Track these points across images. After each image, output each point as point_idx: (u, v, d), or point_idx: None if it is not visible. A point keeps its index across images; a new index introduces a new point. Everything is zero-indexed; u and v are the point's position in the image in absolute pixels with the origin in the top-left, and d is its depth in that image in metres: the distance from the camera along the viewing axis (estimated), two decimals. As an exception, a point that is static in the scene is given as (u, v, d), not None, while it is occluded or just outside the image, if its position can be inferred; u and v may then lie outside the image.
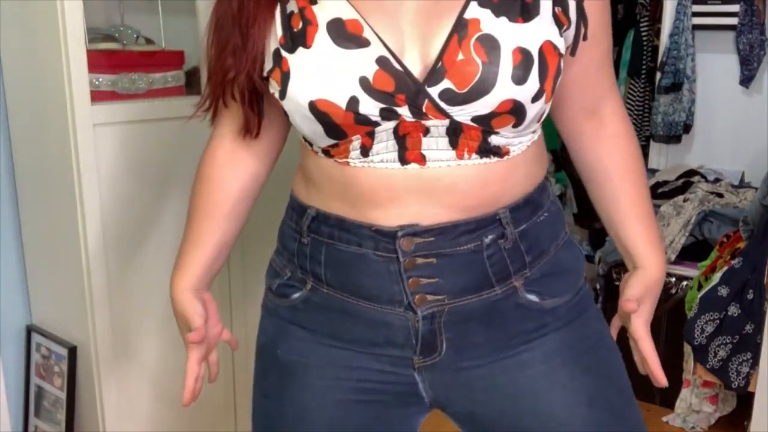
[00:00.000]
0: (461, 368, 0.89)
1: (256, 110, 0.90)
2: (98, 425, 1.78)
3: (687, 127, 2.79)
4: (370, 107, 0.79)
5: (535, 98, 0.79)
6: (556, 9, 0.81)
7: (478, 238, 0.84)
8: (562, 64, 0.82)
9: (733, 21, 2.61)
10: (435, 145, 0.80)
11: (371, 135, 0.81)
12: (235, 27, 0.85)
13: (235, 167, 0.99)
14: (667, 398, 2.42)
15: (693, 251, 2.40)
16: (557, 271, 0.90)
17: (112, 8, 1.91)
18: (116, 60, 1.74)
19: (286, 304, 0.95)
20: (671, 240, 2.39)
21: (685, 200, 2.46)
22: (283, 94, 0.83)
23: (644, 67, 3.24)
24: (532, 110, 0.80)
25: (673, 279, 2.39)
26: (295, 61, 0.81)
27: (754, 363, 2.02)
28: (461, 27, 0.77)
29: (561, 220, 0.95)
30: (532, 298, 0.88)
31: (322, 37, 0.80)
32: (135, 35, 1.87)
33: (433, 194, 0.82)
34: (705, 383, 2.26)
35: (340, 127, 0.81)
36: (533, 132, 0.86)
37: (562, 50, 0.82)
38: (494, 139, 0.81)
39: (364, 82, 0.78)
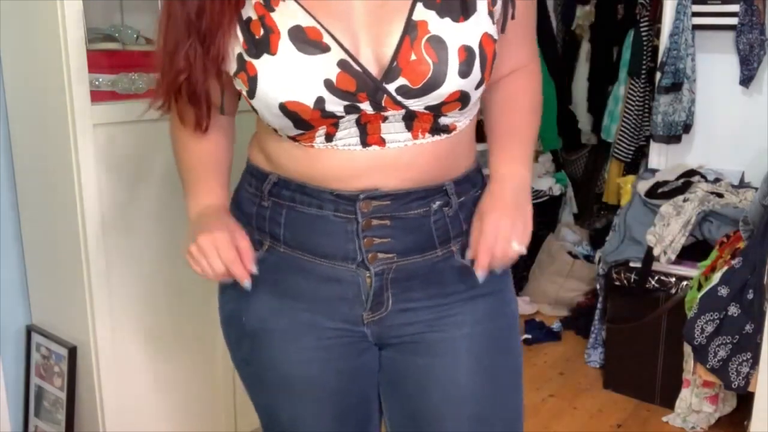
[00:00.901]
0: (402, 323, 1.00)
1: (204, 108, 0.96)
2: (98, 425, 1.78)
3: (687, 127, 2.79)
4: (334, 105, 0.87)
5: (477, 86, 0.91)
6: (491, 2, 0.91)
7: (427, 204, 0.96)
8: (497, 48, 0.92)
9: (733, 21, 2.61)
10: (393, 129, 0.91)
11: (335, 125, 0.90)
12: (191, 31, 0.89)
13: (201, 141, 1.05)
14: (667, 398, 2.42)
15: (693, 251, 2.40)
16: None
17: (112, 8, 1.91)
18: (116, 60, 1.74)
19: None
20: (671, 240, 2.39)
21: (685, 200, 2.46)
22: (251, 93, 0.90)
23: (644, 67, 3.23)
24: (476, 95, 0.92)
25: (673, 279, 2.39)
26: (262, 66, 0.88)
27: (754, 363, 2.02)
28: (411, 29, 0.86)
29: None
30: (466, 262, 0.99)
31: (285, 45, 0.87)
32: (135, 35, 1.87)
33: (394, 170, 0.93)
34: (705, 383, 2.26)
35: (307, 122, 0.89)
36: (474, 110, 0.98)
37: (497, 36, 0.92)
38: (443, 120, 0.93)
39: (328, 84, 0.86)
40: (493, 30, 0.91)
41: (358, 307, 0.99)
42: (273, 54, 0.87)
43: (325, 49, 0.86)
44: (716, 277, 2.13)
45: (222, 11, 0.88)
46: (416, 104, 0.89)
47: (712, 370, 2.09)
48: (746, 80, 2.66)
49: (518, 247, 0.97)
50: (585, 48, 3.71)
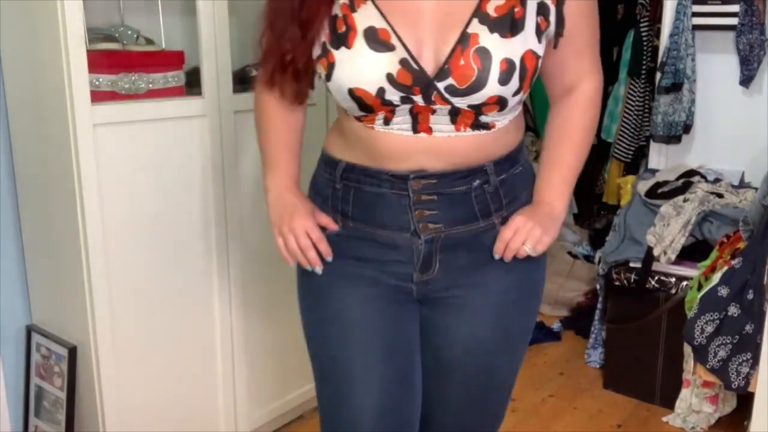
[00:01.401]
0: (444, 286, 1.18)
1: (305, 83, 1.16)
2: (98, 425, 1.78)
3: (687, 127, 2.79)
4: (393, 95, 1.06)
5: (515, 93, 1.07)
6: (539, 18, 1.07)
7: (468, 182, 1.13)
8: (539, 64, 1.09)
9: (733, 21, 2.60)
10: (439, 121, 1.08)
11: (392, 111, 1.08)
12: (293, 20, 1.09)
13: (288, 115, 1.25)
14: (667, 398, 2.42)
15: (693, 251, 2.40)
16: None
17: (112, 8, 1.91)
18: (116, 60, 1.74)
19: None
20: (671, 240, 2.39)
21: (685, 200, 2.46)
22: (329, 77, 1.09)
23: (644, 67, 3.23)
24: (513, 101, 1.08)
25: (673, 279, 2.39)
26: (339, 56, 1.07)
27: (754, 363, 2.02)
28: (464, 39, 1.03)
29: (532, 175, 1.23)
30: None
31: (359, 42, 1.06)
32: (135, 35, 1.87)
33: (437, 154, 1.11)
34: (705, 383, 2.26)
35: (369, 106, 1.08)
36: (515, 111, 1.14)
37: (541, 53, 1.09)
38: (484, 118, 1.09)
39: (389, 77, 1.04)
40: (538, 47, 1.07)
41: (410, 268, 1.17)
42: (349, 48, 1.06)
43: (391, 48, 1.04)
44: (716, 277, 2.13)
45: (318, 6, 1.09)
46: (460, 102, 1.05)
47: (712, 370, 2.09)
48: (746, 80, 2.67)
49: (529, 249, 1.16)
50: (585, 48, 3.71)
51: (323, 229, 1.20)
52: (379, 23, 1.05)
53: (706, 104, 2.81)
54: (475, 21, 1.04)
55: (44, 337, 1.87)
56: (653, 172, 2.79)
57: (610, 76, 3.55)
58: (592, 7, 1.15)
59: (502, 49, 1.03)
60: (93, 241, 1.67)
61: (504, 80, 1.03)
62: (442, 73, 1.04)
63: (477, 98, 1.05)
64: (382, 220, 1.15)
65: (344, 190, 1.18)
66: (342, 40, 1.07)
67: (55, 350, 1.84)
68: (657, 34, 3.06)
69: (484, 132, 1.10)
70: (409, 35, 1.05)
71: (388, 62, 1.04)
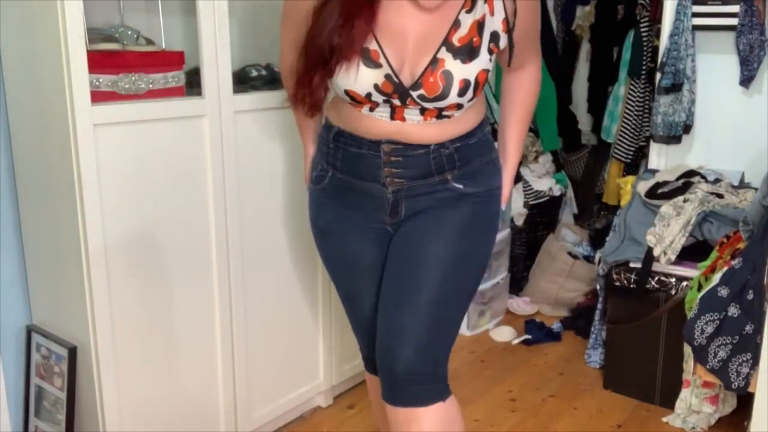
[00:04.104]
0: (410, 224, 1.50)
1: (323, 101, 1.49)
2: (98, 425, 1.78)
3: (687, 128, 2.79)
4: (377, 98, 1.39)
5: (469, 101, 1.41)
6: (491, 45, 1.40)
7: (426, 148, 1.44)
8: (488, 75, 1.41)
9: (733, 21, 2.60)
10: (411, 114, 1.42)
11: (376, 105, 1.41)
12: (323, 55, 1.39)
13: (314, 116, 1.57)
14: (667, 399, 2.42)
15: (693, 251, 2.40)
16: (476, 174, 1.50)
17: (112, 8, 1.91)
18: (116, 60, 1.74)
19: (319, 187, 1.56)
20: (671, 240, 2.39)
21: (685, 201, 2.46)
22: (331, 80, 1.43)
23: (644, 67, 3.24)
24: (468, 104, 1.43)
25: (673, 279, 2.39)
26: (340, 67, 1.38)
27: (754, 363, 2.02)
28: (434, 62, 1.36)
29: (488, 146, 1.53)
30: (458, 185, 1.48)
31: (356, 58, 1.37)
32: (135, 35, 1.87)
33: (407, 135, 1.44)
34: (705, 384, 2.26)
35: (359, 101, 1.41)
36: (468, 107, 1.45)
37: (490, 68, 1.41)
38: (445, 113, 1.42)
39: (376, 86, 1.38)
40: (489, 65, 1.40)
41: (382, 214, 1.50)
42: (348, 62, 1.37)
43: (379, 65, 1.36)
44: (716, 277, 2.13)
45: (352, 43, 1.36)
46: (428, 105, 1.40)
47: (712, 370, 2.09)
48: (746, 81, 2.67)
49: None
50: (585, 48, 3.71)
51: (324, 176, 1.55)
52: (372, 45, 1.36)
53: (706, 104, 2.81)
54: (443, 48, 1.36)
55: (44, 337, 1.87)
56: (653, 172, 2.79)
57: (610, 77, 3.56)
58: (535, 8, 1.48)
59: (461, 72, 1.37)
60: (93, 241, 1.67)
61: (461, 93, 1.38)
62: (415, 85, 1.37)
63: (441, 104, 1.39)
64: (360, 173, 1.48)
65: (335, 149, 1.51)
66: None
67: (55, 350, 1.84)
68: (657, 35, 3.07)
69: (445, 120, 1.44)
70: (394, 56, 1.36)
71: (376, 76, 1.36)
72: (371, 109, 1.42)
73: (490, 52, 1.39)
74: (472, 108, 1.47)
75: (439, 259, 1.46)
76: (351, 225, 1.54)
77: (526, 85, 1.59)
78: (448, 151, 1.45)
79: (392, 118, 1.41)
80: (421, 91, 1.36)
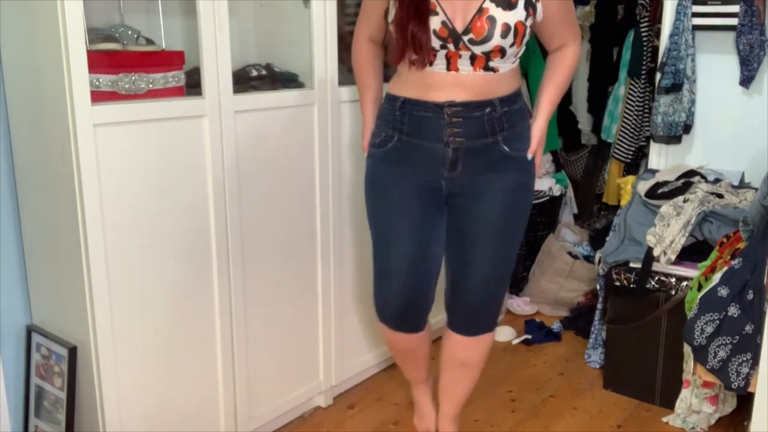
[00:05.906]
0: (465, 182, 1.80)
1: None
2: (98, 425, 1.78)
3: (687, 128, 2.79)
4: (435, 43, 1.67)
5: (511, 45, 1.68)
6: (529, 9, 1.68)
7: (482, 110, 1.74)
8: (527, 31, 1.71)
9: (733, 21, 2.60)
10: (463, 63, 1.70)
11: (435, 55, 1.70)
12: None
13: (375, 57, 1.93)
14: (667, 399, 2.42)
15: (693, 251, 2.40)
16: (519, 138, 1.81)
17: (112, 8, 1.91)
18: (116, 60, 1.74)
19: (383, 150, 1.84)
20: (671, 240, 2.39)
21: (685, 201, 2.46)
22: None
23: (644, 67, 3.23)
24: (510, 51, 1.70)
25: (673, 279, 2.39)
26: None
27: (754, 363, 2.02)
28: (480, 11, 1.65)
29: (526, 113, 1.84)
30: (505, 148, 1.79)
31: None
32: (135, 35, 1.87)
33: (462, 86, 1.72)
34: (705, 384, 2.26)
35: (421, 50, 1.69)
36: (512, 63, 1.76)
37: (528, 24, 1.69)
38: (491, 63, 1.71)
39: (434, 31, 1.66)
40: (526, 20, 1.68)
41: (442, 169, 1.78)
42: None
43: (436, 13, 1.66)
44: (716, 277, 2.13)
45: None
46: (477, 49, 1.67)
47: (712, 370, 2.09)
48: (746, 81, 2.67)
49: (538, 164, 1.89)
50: (585, 48, 3.71)
51: (389, 140, 1.83)
52: None
53: (706, 104, 2.81)
54: (488, 0, 1.65)
55: (44, 337, 1.87)
56: (653, 172, 2.79)
57: (610, 77, 3.56)
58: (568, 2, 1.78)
59: (502, 17, 1.65)
60: (93, 241, 1.67)
61: (504, 35, 1.65)
62: (466, 30, 1.65)
63: (487, 47, 1.66)
64: (425, 134, 1.76)
65: (401, 115, 1.78)
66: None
67: (55, 350, 1.84)
68: (657, 35, 3.07)
69: (491, 73, 1.72)
70: (448, 7, 1.66)
71: (435, 22, 1.65)
72: (431, 63, 1.70)
73: (526, 8, 1.67)
74: (511, 73, 1.76)
75: (506, 237, 1.85)
76: (408, 178, 1.81)
77: (565, 59, 1.85)
78: (497, 114, 1.74)
79: (448, 68, 1.70)
80: (471, 35, 1.65)
